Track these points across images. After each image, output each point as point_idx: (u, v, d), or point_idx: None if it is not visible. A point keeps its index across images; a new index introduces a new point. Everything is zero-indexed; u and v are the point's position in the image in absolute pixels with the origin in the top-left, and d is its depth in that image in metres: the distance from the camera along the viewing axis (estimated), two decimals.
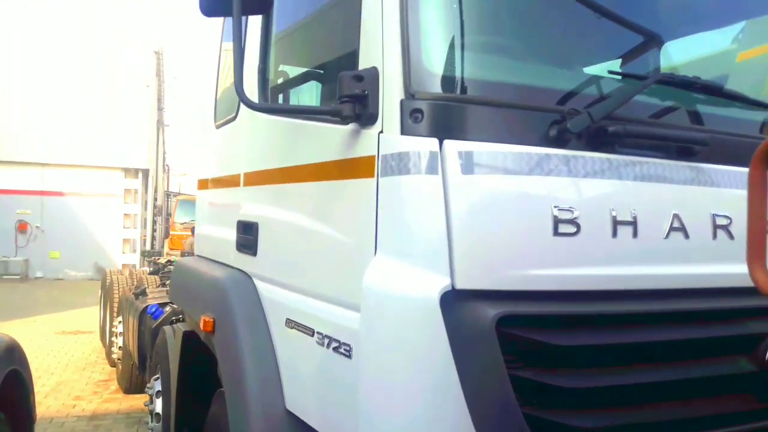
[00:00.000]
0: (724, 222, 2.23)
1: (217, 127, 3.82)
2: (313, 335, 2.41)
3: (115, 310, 8.99)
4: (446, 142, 1.93)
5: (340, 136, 2.26)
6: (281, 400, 2.65)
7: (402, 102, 1.98)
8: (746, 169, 2.27)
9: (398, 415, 1.92)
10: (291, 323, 2.62)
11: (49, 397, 7.69)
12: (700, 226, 2.21)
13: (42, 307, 14.69)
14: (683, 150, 2.21)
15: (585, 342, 1.97)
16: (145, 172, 23.71)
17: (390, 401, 1.94)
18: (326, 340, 2.31)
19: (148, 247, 24.13)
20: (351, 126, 2.19)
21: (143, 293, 7.85)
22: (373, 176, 2.09)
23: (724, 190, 2.27)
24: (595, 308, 2.03)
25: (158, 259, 13.07)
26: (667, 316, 2.14)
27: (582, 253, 2.01)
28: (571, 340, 1.94)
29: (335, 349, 2.24)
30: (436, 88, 2.01)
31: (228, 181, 3.59)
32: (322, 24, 2.77)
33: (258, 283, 3.02)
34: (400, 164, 1.98)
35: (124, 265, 21.55)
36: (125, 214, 23.13)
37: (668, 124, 2.27)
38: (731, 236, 2.23)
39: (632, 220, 2.07)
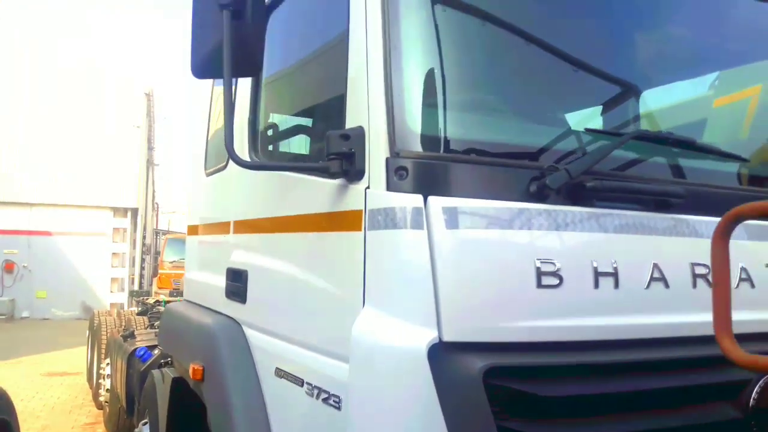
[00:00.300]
0: (703, 271, 2.29)
1: (208, 174, 3.88)
2: (302, 385, 2.43)
3: (103, 351, 8.89)
4: (430, 198, 1.99)
5: (329, 189, 2.32)
6: None
7: (387, 160, 2.05)
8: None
9: None
10: (280, 372, 2.63)
11: None
12: (680, 275, 2.26)
13: (28, 347, 14.48)
14: (660, 202, 2.28)
15: (571, 393, 2.00)
16: (134, 211, 23.69)
17: None
18: (315, 391, 2.33)
19: (136, 286, 23.94)
20: (339, 180, 2.25)
21: (132, 335, 7.79)
22: (360, 230, 2.14)
23: (702, 240, 2.34)
24: (579, 359, 2.07)
25: (147, 299, 12.96)
26: (652, 364, 2.18)
27: (565, 304, 2.06)
28: (557, 390, 1.97)
29: (324, 400, 2.26)
30: (420, 147, 2.09)
31: (218, 228, 3.63)
32: (311, 80, 2.85)
33: (247, 330, 3.04)
34: (386, 219, 2.04)
35: (112, 305, 21.40)
36: (113, 253, 23.03)
37: (645, 178, 2.34)
38: (710, 284, 2.28)
39: (613, 271, 2.13)
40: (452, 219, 1.98)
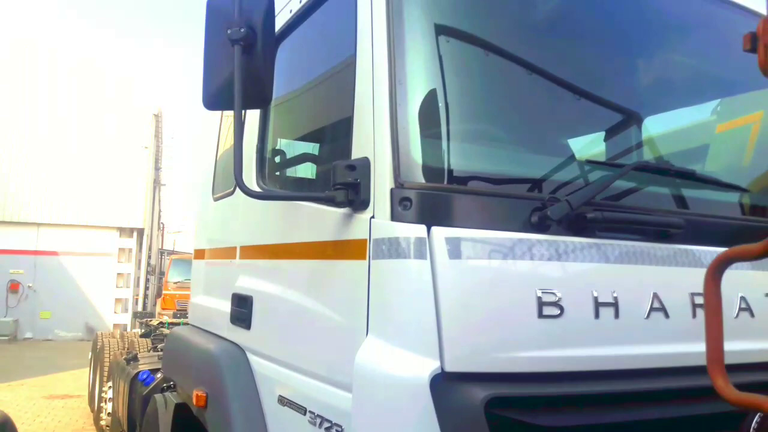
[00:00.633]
0: (703, 301, 2.31)
1: (215, 199, 3.93)
2: (305, 414, 2.45)
3: (106, 374, 8.88)
4: (434, 228, 2.03)
5: (334, 217, 2.36)
6: None
7: (392, 191, 2.09)
8: (721, 249, 2.39)
9: None
10: (283, 400, 2.65)
11: None
12: (680, 305, 2.28)
13: (30, 369, 14.46)
14: (660, 233, 2.31)
15: (572, 423, 2.02)
16: (140, 231, 23.77)
17: None
18: (318, 420, 2.35)
19: (140, 306, 23.93)
20: (344, 209, 2.29)
21: (135, 358, 7.78)
22: (365, 258, 2.17)
23: (701, 270, 2.36)
24: (580, 389, 2.09)
25: (150, 320, 12.95)
26: (652, 395, 2.19)
27: (566, 334, 2.08)
28: (558, 420, 1.99)
29: (327, 429, 2.28)
30: (424, 178, 2.13)
31: (224, 253, 3.67)
32: (317, 109, 2.91)
33: (251, 357, 3.06)
34: (390, 248, 2.07)
35: (115, 326, 21.38)
36: (118, 274, 23.06)
37: (644, 209, 2.38)
38: None
39: (614, 301, 2.16)
40: (455, 249, 2.02)
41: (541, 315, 2.04)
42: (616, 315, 2.16)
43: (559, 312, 2.06)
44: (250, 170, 3.11)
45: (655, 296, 2.24)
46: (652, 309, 2.23)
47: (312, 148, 3.18)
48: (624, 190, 2.38)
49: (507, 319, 2.03)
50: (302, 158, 3.14)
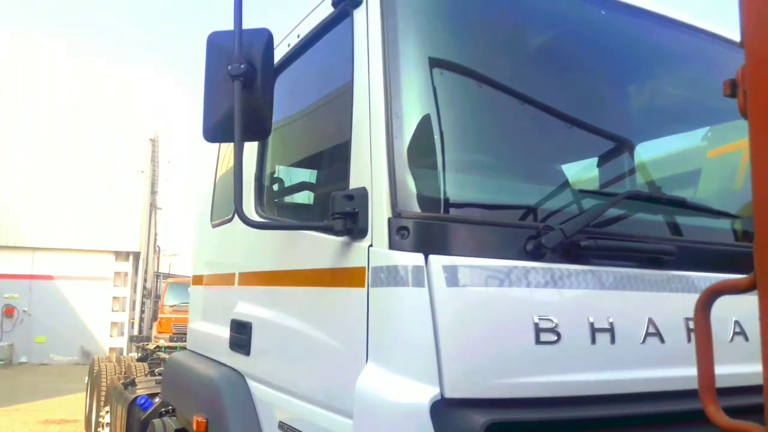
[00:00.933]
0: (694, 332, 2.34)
1: (214, 226, 3.96)
2: None
3: (103, 399, 8.82)
4: (431, 256, 2.07)
5: (333, 245, 2.40)
6: None
7: (389, 220, 2.13)
8: (714, 274, 2.44)
9: None
10: (284, 426, 2.66)
11: None
12: (674, 330, 2.32)
13: (25, 394, 14.34)
14: (653, 259, 2.35)
15: None
16: (136, 255, 23.74)
17: None
18: None
19: (135, 330, 23.81)
20: (343, 238, 2.33)
21: (132, 383, 7.75)
22: (363, 286, 2.21)
23: (695, 295, 2.40)
24: (578, 413, 2.11)
25: (147, 344, 12.90)
26: (649, 418, 2.22)
27: (563, 360, 2.11)
28: None
29: None
30: (421, 207, 2.17)
31: (223, 279, 3.69)
32: (315, 139, 2.97)
33: (251, 383, 3.07)
34: (389, 276, 2.11)
35: (111, 349, 21.26)
36: (114, 297, 22.97)
37: (637, 236, 2.42)
38: None
39: (609, 326, 2.19)
40: (452, 277, 2.05)
41: (538, 341, 2.07)
42: (612, 340, 2.19)
43: (556, 338, 2.09)
44: (249, 198, 3.15)
45: (650, 321, 2.27)
46: (647, 334, 2.26)
47: (310, 176, 3.23)
48: (617, 217, 2.42)
49: (505, 345, 2.06)
50: (300, 186, 3.18)
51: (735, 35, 3.04)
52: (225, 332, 3.40)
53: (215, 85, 2.41)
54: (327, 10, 2.68)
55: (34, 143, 22.18)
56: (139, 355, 11.20)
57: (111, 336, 22.70)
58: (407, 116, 2.23)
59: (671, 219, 2.59)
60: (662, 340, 2.28)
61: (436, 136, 2.25)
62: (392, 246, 2.12)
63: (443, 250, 2.09)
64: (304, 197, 3.28)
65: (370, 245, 2.20)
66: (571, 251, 2.19)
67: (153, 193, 26.20)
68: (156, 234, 28.97)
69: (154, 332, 21.02)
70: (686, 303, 2.37)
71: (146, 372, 8.90)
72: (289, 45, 3.07)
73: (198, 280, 4.29)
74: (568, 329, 2.11)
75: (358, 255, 2.26)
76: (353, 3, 2.47)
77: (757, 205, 1.12)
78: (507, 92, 2.53)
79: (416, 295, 2.04)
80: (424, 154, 2.28)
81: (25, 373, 19.15)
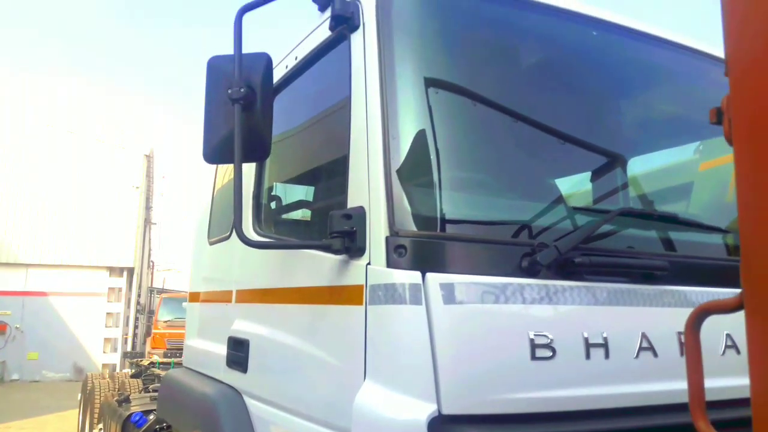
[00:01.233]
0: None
1: (211, 243, 3.99)
2: None
3: (96, 416, 8.77)
4: (429, 274, 2.10)
5: (331, 263, 2.43)
6: None
7: (387, 239, 2.17)
8: (706, 289, 2.48)
9: None
10: None
11: None
12: (668, 344, 2.36)
13: (17, 411, 14.20)
14: (646, 275, 2.40)
15: None
16: (130, 271, 23.65)
17: None
18: None
19: (129, 346, 23.67)
20: (341, 256, 2.36)
21: (127, 400, 7.71)
22: (361, 304, 2.24)
23: (687, 310, 2.44)
24: (573, 428, 2.15)
25: (141, 360, 12.83)
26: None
27: (559, 375, 2.15)
28: None
29: None
30: (418, 226, 2.21)
31: (220, 297, 3.71)
32: (312, 158, 3.01)
33: (248, 400, 3.09)
34: (386, 294, 2.14)
35: (104, 365, 21.11)
36: (108, 313, 22.84)
37: (630, 252, 2.47)
38: None
39: (604, 342, 2.23)
40: (449, 295, 2.09)
41: (534, 357, 2.10)
42: (607, 355, 2.22)
43: (551, 354, 2.12)
44: (247, 216, 3.18)
45: (644, 336, 2.31)
46: (641, 348, 2.30)
47: (306, 194, 3.27)
48: (611, 233, 2.47)
49: (501, 361, 2.09)
50: (298, 205, 3.22)
51: (722, 53, 3.13)
52: (222, 349, 3.42)
53: (215, 107, 2.46)
54: (324, 33, 2.73)
55: (28, 159, 22.14)
56: (133, 371, 11.13)
57: (104, 352, 22.54)
58: (404, 137, 2.28)
59: (664, 234, 2.64)
60: (656, 355, 2.32)
61: (432, 156, 2.30)
62: (390, 264, 2.16)
63: (440, 267, 2.13)
64: (302, 215, 3.31)
65: (368, 263, 2.24)
66: (566, 268, 2.23)
67: (147, 208, 26.17)
68: (150, 249, 28.88)
69: (148, 348, 20.90)
70: (679, 317, 2.41)
71: (140, 388, 8.85)
72: (287, 67, 3.12)
73: (195, 297, 4.31)
74: (563, 345, 2.15)
75: (356, 273, 2.30)
76: (350, 27, 2.53)
77: (743, 227, 1.17)
78: (501, 112, 2.59)
79: (414, 312, 2.07)
80: (420, 174, 2.32)
81: (17, 390, 18.97)
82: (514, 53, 2.79)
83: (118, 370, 18.02)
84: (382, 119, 2.28)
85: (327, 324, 2.52)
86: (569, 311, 2.23)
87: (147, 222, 26.34)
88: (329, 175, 2.89)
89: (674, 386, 2.36)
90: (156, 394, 7.47)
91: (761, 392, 1.16)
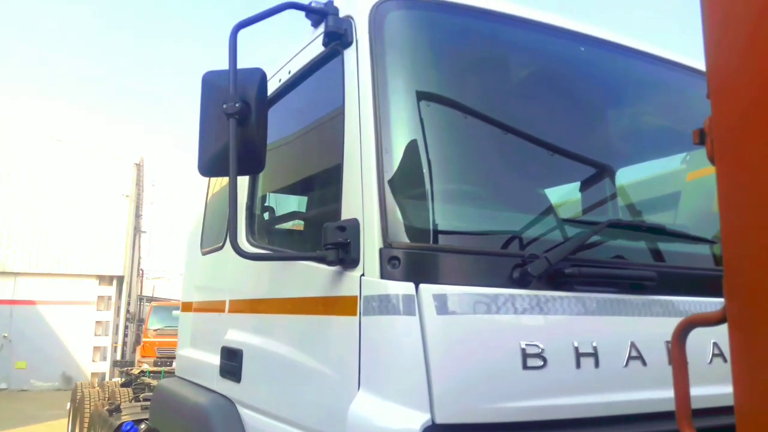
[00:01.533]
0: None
1: (204, 253, 4.00)
2: None
3: (86, 425, 8.72)
4: (422, 285, 2.14)
5: (325, 274, 2.46)
6: None
7: (381, 250, 2.21)
8: (693, 298, 2.53)
9: None
10: None
11: None
12: (656, 353, 2.40)
13: (5, 421, 14.06)
14: (634, 285, 2.44)
15: None
16: (120, 279, 23.54)
17: None
18: None
19: (118, 354, 23.53)
20: (335, 267, 2.40)
21: (117, 409, 7.68)
22: (355, 314, 2.27)
23: (675, 319, 2.49)
24: None
25: (131, 369, 12.77)
26: None
27: (550, 384, 2.19)
28: None
29: None
30: (411, 238, 2.25)
31: (213, 307, 3.73)
32: (306, 170, 3.04)
33: (241, 409, 3.10)
34: (380, 305, 2.18)
35: (93, 374, 20.95)
36: (97, 322, 22.70)
37: (619, 263, 2.52)
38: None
39: (593, 351, 2.27)
40: (442, 305, 2.13)
41: (525, 366, 2.14)
42: (597, 364, 2.27)
43: (542, 363, 2.16)
44: (240, 226, 3.21)
45: (633, 345, 2.36)
46: (630, 357, 2.34)
47: (299, 204, 3.30)
48: (600, 244, 2.52)
49: (493, 371, 2.13)
50: (291, 216, 3.25)
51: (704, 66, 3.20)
52: (215, 359, 3.43)
53: (210, 122, 2.49)
54: (318, 48, 2.77)
55: (18, 168, 22.03)
56: (123, 380, 11.08)
57: (93, 361, 22.38)
58: (396, 151, 2.32)
59: (652, 245, 2.69)
60: (644, 363, 2.37)
61: (425, 170, 2.34)
62: (384, 275, 2.19)
63: (433, 278, 2.17)
64: (295, 226, 3.34)
65: (362, 275, 2.27)
66: (556, 278, 2.27)
67: (137, 216, 26.06)
68: (140, 257, 28.75)
69: (138, 356, 20.78)
70: (667, 326, 2.45)
71: (131, 398, 8.81)
72: (280, 80, 3.16)
73: (187, 306, 4.32)
74: (554, 354, 2.19)
75: (350, 284, 2.33)
76: (343, 43, 2.57)
77: (725, 245, 1.21)
78: (491, 125, 2.64)
79: (407, 323, 2.11)
80: (413, 187, 2.36)
81: (4, 399, 18.78)
82: (504, 68, 2.84)
83: (107, 379, 17.91)
84: (375, 133, 2.32)
85: (321, 334, 2.54)
86: (560, 321, 2.27)
87: (137, 230, 26.22)
88: (322, 186, 2.93)
89: (662, 394, 2.40)
90: (147, 403, 7.45)
91: (744, 401, 1.21)
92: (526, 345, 2.16)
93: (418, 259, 2.22)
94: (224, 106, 2.40)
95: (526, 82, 2.87)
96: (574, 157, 2.84)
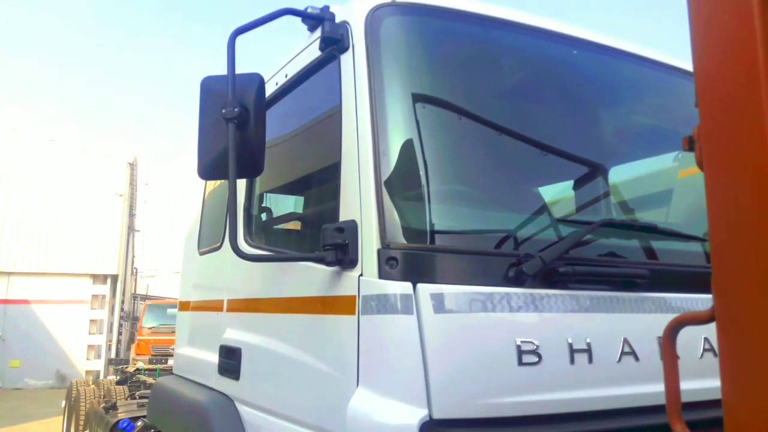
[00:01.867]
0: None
1: (201, 253, 4.03)
2: None
3: (82, 423, 8.74)
4: (419, 285, 2.19)
5: (324, 274, 2.50)
6: None
7: (379, 251, 2.26)
8: (684, 295, 2.59)
9: None
10: None
11: None
12: (648, 349, 2.45)
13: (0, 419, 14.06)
14: (626, 283, 2.50)
15: None
16: (114, 278, 23.52)
17: None
18: None
19: (113, 353, 23.53)
20: (334, 267, 2.44)
21: (114, 407, 7.71)
22: (354, 314, 2.32)
23: (666, 315, 2.55)
24: (560, 429, 2.24)
25: (126, 367, 12.79)
26: None
27: (545, 380, 2.24)
28: None
29: None
30: (408, 239, 2.30)
31: (211, 306, 3.76)
32: (304, 172, 3.08)
33: (240, 406, 3.14)
34: (379, 305, 2.22)
35: (87, 372, 20.94)
36: (91, 320, 22.70)
37: (612, 261, 2.57)
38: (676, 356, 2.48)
39: (587, 347, 2.32)
40: (440, 304, 2.18)
41: (521, 363, 2.19)
42: (590, 360, 2.32)
43: (537, 359, 2.22)
44: (238, 227, 3.24)
45: (626, 341, 2.41)
46: (623, 353, 2.39)
47: (296, 205, 3.34)
48: (593, 244, 2.57)
49: (490, 367, 2.18)
50: (288, 217, 3.29)
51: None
52: (213, 357, 3.47)
53: (209, 126, 2.53)
54: (314, 53, 2.81)
55: (11, 167, 21.94)
56: (119, 378, 11.10)
57: (88, 359, 22.38)
58: (393, 154, 2.37)
59: (644, 243, 2.74)
60: (637, 359, 2.42)
61: (421, 172, 2.39)
62: (382, 275, 2.24)
63: (430, 278, 2.22)
64: (292, 226, 3.38)
65: (361, 275, 2.32)
66: (550, 277, 2.32)
67: (131, 215, 26.02)
68: (134, 256, 28.70)
69: (132, 354, 20.79)
70: (659, 323, 2.50)
71: (127, 395, 8.84)
72: (276, 83, 3.20)
73: (185, 306, 4.35)
74: (548, 351, 2.24)
75: (348, 284, 2.37)
76: (340, 49, 2.61)
77: (714, 247, 1.27)
78: (486, 128, 2.68)
79: (405, 321, 2.16)
80: (410, 189, 2.41)
81: None
82: (497, 71, 2.89)
83: (102, 377, 17.91)
84: (372, 137, 2.36)
85: (320, 333, 2.58)
86: (554, 318, 2.32)
87: (130, 229, 26.19)
88: (319, 188, 2.97)
89: (654, 389, 2.45)
90: (143, 400, 7.49)
91: (731, 396, 1.26)
92: (522, 342, 2.21)
93: (416, 259, 2.26)
94: (223, 111, 2.43)
95: (519, 85, 2.92)
96: (567, 157, 2.89)
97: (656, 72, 3.24)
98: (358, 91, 2.46)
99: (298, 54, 3.02)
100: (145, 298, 29.41)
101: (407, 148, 2.42)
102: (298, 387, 2.69)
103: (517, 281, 2.28)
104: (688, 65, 3.29)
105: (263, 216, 3.39)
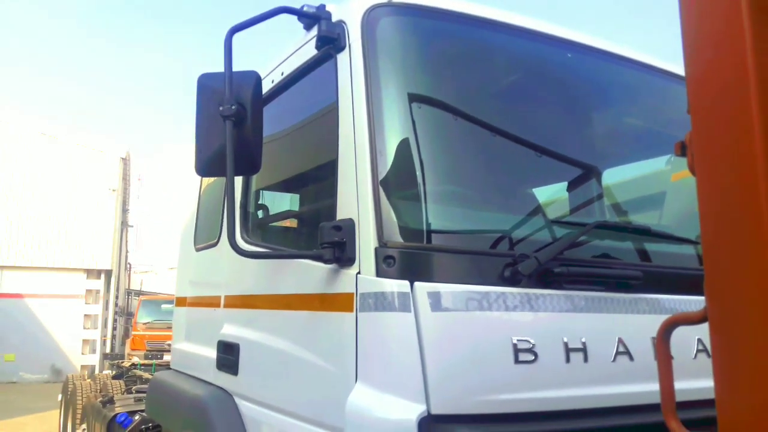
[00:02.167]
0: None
1: (197, 249, 4.05)
2: None
3: (79, 417, 8.76)
4: (417, 283, 2.21)
5: (321, 272, 2.52)
6: None
7: (376, 249, 2.28)
8: (677, 296, 2.62)
9: None
10: None
11: None
12: (642, 348, 2.48)
13: None
14: (621, 283, 2.52)
15: None
16: (108, 273, 23.50)
17: None
18: None
19: (108, 347, 23.53)
20: (331, 265, 2.46)
21: (111, 401, 7.73)
22: (352, 311, 2.34)
23: (660, 316, 2.58)
24: (554, 427, 2.27)
25: (122, 362, 12.80)
26: (620, 430, 2.38)
27: (541, 378, 2.27)
28: None
29: None
30: (406, 237, 2.32)
31: (208, 302, 3.77)
32: (301, 169, 3.10)
33: (239, 401, 3.17)
34: (376, 302, 2.25)
35: (82, 366, 20.94)
36: (86, 315, 22.69)
37: (606, 262, 2.60)
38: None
39: (582, 346, 2.35)
40: (437, 302, 2.20)
41: (517, 361, 2.22)
42: (585, 359, 2.35)
43: (533, 358, 2.24)
44: (234, 225, 3.24)
45: (620, 341, 2.44)
46: (617, 353, 2.42)
47: (292, 202, 3.36)
48: (588, 245, 2.59)
49: (486, 365, 2.20)
50: (285, 214, 3.30)
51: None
52: (211, 353, 3.49)
53: (207, 123, 2.53)
54: (311, 51, 2.82)
55: (4, 162, 21.88)
56: (114, 372, 11.12)
57: (83, 353, 22.39)
58: (390, 153, 2.39)
59: (638, 245, 2.77)
60: (631, 358, 2.45)
61: (418, 171, 2.41)
62: (379, 274, 2.26)
63: (427, 277, 2.24)
64: (289, 223, 3.40)
65: (358, 273, 2.34)
66: (546, 277, 2.35)
67: (124, 210, 25.97)
68: (127, 251, 28.65)
69: (127, 349, 20.77)
70: (653, 323, 2.53)
71: (123, 390, 8.86)
72: (273, 81, 3.20)
73: (181, 302, 4.36)
74: (544, 349, 2.27)
75: (346, 282, 2.39)
76: (336, 47, 2.62)
77: (705, 250, 1.29)
78: (483, 128, 2.70)
79: (403, 319, 2.18)
80: (407, 188, 2.43)
81: None
82: (493, 72, 2.91)
83: (97, 371, 17.91)
84: (369, 136, 2.38)
85: (318, 329, 2.61)
86: (550, 318, 2.34)
87: (124, 224, 26.15)
88: (316, 186, 2.99)
89: (649, 387, 2.48)
90: (139, 395, 7.51)
91: (724, 396, 1.29)
92: (518, 340, 2.23)
93: (413, 258, 2.29)
94: (220, 108, 2.44)
95: (515, 86, 2.94)
96: (562, 159, 2.91)
97: (650, 76, 3.27)
98: (355, 91, 2.48)
99: (294, 52, 3.03)
100: (139, 293, 29.39)
101: (404, 148, 2.44)
102: (297, 382, 2.71)
103: (513, 281, 2.30)
104: (680, 69, 3.34)
105: (260, 213, 3.41)
